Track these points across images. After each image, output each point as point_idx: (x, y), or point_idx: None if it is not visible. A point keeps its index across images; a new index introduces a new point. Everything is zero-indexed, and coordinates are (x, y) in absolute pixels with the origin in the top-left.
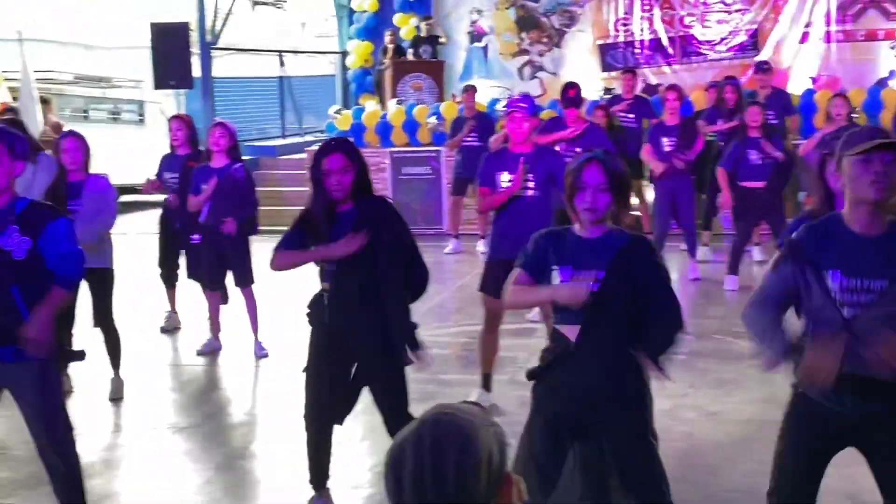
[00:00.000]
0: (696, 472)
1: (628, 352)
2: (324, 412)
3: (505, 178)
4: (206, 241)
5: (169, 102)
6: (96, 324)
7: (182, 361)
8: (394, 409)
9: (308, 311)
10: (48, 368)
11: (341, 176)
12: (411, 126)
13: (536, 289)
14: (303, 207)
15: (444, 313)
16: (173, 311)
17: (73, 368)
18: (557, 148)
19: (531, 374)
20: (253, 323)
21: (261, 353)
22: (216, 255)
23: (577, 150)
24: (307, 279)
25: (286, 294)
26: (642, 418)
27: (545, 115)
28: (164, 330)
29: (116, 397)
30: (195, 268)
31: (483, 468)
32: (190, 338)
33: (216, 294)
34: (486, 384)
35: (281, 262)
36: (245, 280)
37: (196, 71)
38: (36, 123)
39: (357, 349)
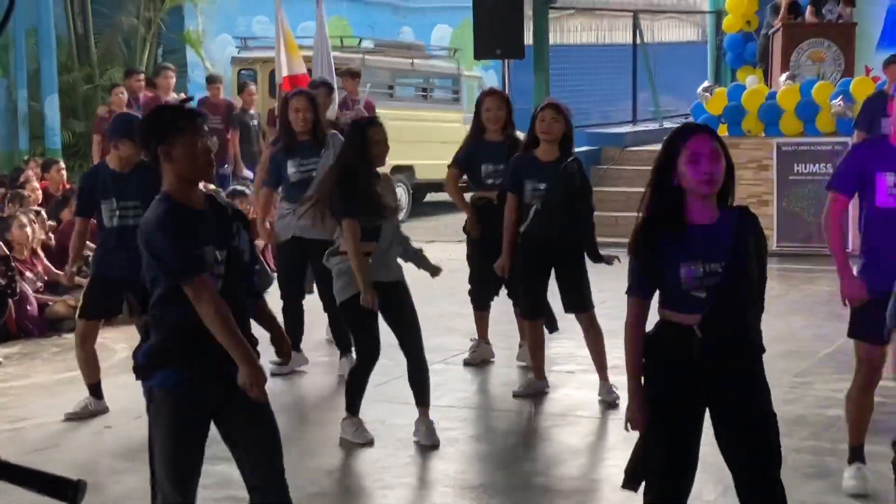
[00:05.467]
0: None
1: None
2: (680, 493)
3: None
4: (529, 256)
5: (490, 77)
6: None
7: (496, 406)
8: (768, 473)
9: (654, 348)
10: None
11: (714, 165)
12: (808, 109)
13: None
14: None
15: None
16: (484, 341)
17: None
18: None
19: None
20: (597, 360)
21: (609, 396)
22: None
23: None
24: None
25: None
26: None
27: None
28: (467, 363)
29: (429, 444)
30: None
31: None
32: (501, 374)
33: (536, 323)
34: (858, 456)
35: None
36: (580, 304)
37: (528, 37)
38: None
39: (725, 391)
